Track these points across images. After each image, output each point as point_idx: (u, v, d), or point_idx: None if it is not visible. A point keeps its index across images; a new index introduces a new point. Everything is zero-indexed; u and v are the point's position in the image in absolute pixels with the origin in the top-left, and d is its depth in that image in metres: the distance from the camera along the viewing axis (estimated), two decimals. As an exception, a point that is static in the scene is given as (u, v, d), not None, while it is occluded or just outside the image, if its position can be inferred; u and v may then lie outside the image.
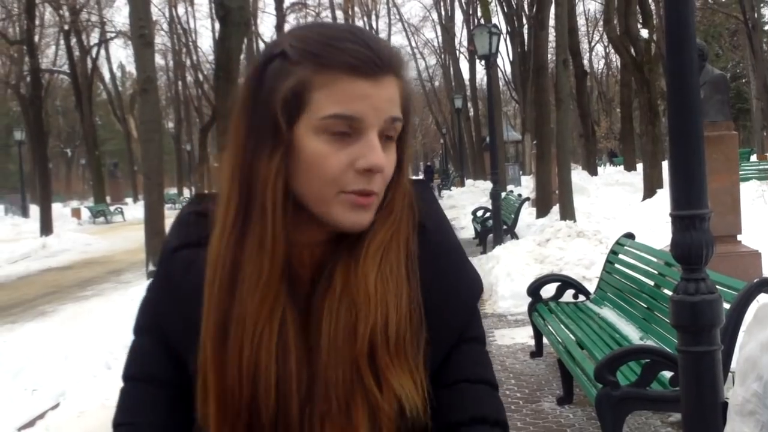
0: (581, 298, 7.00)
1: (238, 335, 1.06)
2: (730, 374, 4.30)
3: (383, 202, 1.11)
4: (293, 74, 1.05)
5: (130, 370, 1.20)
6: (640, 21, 23.41)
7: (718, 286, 3.54)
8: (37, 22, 30.15)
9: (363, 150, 1.04)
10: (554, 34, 17.19)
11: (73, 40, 32.97)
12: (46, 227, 25.59)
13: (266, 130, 1.06)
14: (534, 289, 7.03)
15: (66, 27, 31.35)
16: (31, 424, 5.89)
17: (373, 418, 1.05)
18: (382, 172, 1.06)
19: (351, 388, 1.05)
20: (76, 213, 40.64)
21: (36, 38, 30.34)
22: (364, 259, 1.09)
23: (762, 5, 41.77)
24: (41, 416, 6.00)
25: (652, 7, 27.42)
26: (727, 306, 3.93)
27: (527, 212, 17.28)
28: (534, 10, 21.48)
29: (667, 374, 4.30)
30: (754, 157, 37.07)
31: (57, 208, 32.19)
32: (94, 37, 38.08)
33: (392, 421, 1.06)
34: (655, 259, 5.86)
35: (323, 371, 1.05)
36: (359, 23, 59.55)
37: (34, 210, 32.63)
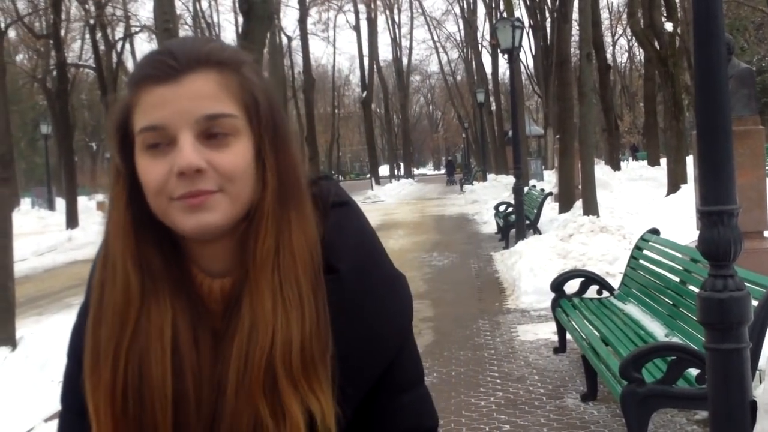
0: (605, 294, 6.96)
1: (104, 360, 1.06)
2: (757, 372, 4.27)
3: (256, 209, 1.06)
4: (121, 101, 1.09)
5: (61, 395, 1.23)
6: (665, 14, 23.23)
7: (745, 283, 3.51)
8: (63, 16, 30.31)
9: (176, 155, 1.01)
10: (577, 27, 17.12)
11: (99, 35, 33.03)
12: (72, 220, 25.76)
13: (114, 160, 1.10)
14: (557, 285, 7.00)
15: (91, 21, 31.45)
16: (57, 415, 5.93)
17: None
18: (203, 171, 1.01)
19: (252, 424, 1.03)
20: (101, 206, 40.81)
21: (62, 32, 30.54)
22: (255, 276, 1.05)
23: (789, -2, 41.23)
24: (67, 408, 6.05)
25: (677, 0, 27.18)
26: (754, 303, 3.89)
27: (550, 207, 17.20)
28: (557, 3, 21.33)
29: (694, 372, 4.27)
30: (780, 152, 36.63)
31: (82, 201, 32.40)
32: (119, 32, 38.20)
33: None
34: (680, 255, 5.81)
35: (230, 409, 1.04)
36: (381, 17, 59.41)
37: (60, 203, 32.94)
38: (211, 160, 1.02)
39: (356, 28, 56.00)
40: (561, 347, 7.00)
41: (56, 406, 5.91)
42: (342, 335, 1.07)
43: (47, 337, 7.48)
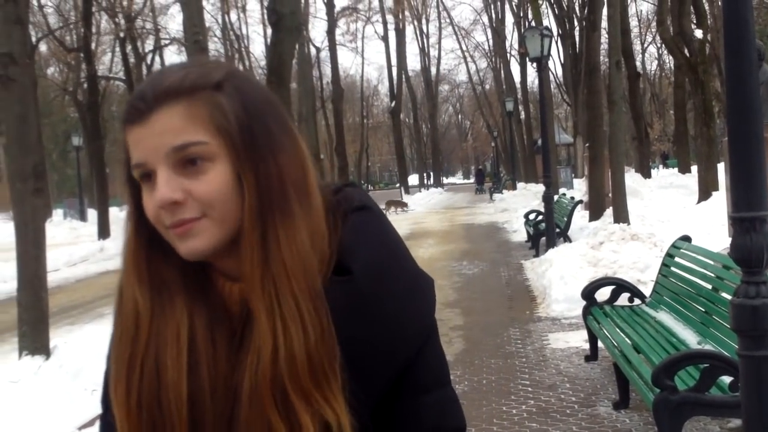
0: (636, 301, 6.92)
1: (119, 374, 1.11)
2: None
3: (240, 227, 1.08)
4: (122, 137, 1.13)
5: (101, 398, 1.23)
6: (694, 21, 23.05)
7: (779, 290, 3.47)
8: (93, 29, 30.70)
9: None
10: (606, 35, 17.04)
11: (129, 47, 33.46)
12: (104, 231, 25.99)
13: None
14: (588, 293, 6.97)
15: (122, 34, 31.84)
16: (90, 423, 6.00)
17: None
18: (180, 201, 1.05)
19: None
20: (131, 217, 41.13)
21: (92, 46, 30.92)
22: (249, 294, 1.07)
23: (821, 3, 40.73)
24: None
25: (706, 7, 27.00)
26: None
27: (580, 215, 17.11)
28: (586, 11, 21.26)
29: (727, 379, 4.24)
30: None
31: (114, 211, 32.57)
32: (149, 44, 38.67)
33: None
34: (712, 262, 5.76)
35: (245, 416, 1.05)
36: (409, 27, 59.52)
37: (92, 214, 33.20)
38: (188, 190, 1.06)
39: (384, 38, 56.21)
40: (592, 355, 6.97)
41: (89, 414, 6.00)
42: (355, 338, 1.06)
43: (80, 346, 7.56)
